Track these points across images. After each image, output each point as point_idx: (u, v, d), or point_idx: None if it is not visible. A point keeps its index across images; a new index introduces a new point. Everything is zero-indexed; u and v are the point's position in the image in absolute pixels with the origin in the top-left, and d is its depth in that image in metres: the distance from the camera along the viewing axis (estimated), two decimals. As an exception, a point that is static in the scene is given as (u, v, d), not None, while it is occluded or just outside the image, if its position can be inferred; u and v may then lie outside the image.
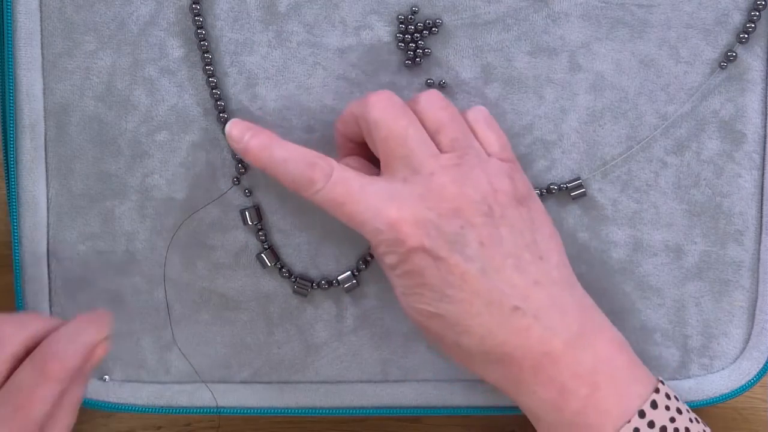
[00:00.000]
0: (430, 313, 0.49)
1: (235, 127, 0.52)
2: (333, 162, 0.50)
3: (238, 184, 0.57)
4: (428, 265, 0.48)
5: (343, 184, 0.50)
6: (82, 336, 0.49)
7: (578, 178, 0.56)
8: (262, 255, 0.57)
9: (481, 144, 0.52)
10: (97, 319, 0.51)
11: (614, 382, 0.49)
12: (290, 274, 0.57)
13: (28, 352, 0.49)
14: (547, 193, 0.56)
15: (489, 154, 0.52)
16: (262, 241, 0.57)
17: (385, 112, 0.50)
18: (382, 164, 0.51)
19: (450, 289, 0.48)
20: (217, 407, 0.58)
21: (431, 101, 0.51)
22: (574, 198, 0.56)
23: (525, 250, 0.49)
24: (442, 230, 0.48)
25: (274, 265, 0.57)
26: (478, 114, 0.53)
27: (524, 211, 0.50)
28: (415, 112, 0.51)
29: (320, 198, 0.50)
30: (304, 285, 0.57)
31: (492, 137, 0.52)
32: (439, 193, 0.49)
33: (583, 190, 0.56)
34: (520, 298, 0.48)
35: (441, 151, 0.50)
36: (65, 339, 0.49)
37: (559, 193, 0.56)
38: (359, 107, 0.51)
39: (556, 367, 0.48)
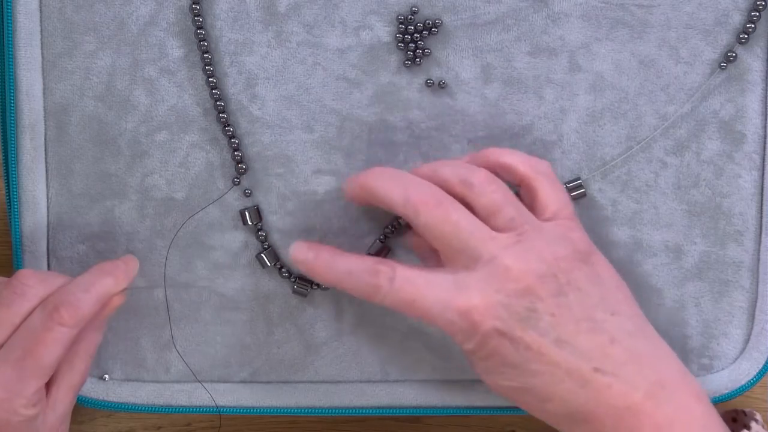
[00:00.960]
0: (514, 389, 0.50)
1: (298, 251, 0.52)
2: (394, 264, 0.50)
3: (238, 184, 0.57)
4: (505, 345, 0.48)
5: (408, 284, 0.49)
6: (96, 286, 0.51)
7: (578, 179, 0.56)
8: (262, 255, 0.57)
9: (540, 205, 0.52)
10: (117, 269, 0.52)
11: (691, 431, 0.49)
12: (290, 274, 0.57)
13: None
14: None
15: (547, 216, 0.52)
16: (262, 241, 0.57)
17: (431, 216, 0.50)
18: (441, 255, 0.51)
19: (530, 364, 0.49)
20: (216, 407, 0.58)
21: (485, 185, 0.51)
22: (574, 198, 0.56)
23: (596, 310, 0.49)
24: (513, 310, 0.48)
25: (274, 265, 0.57)
26: (540, 168, 0.53)
27: (588, 270, 0.50)
28: (467, 195, 0.51)
29: (389, 301, 0.50)
30: (303, 285, 0.57)
31: (552, 197, 0.52)
32: (503, 275, 0.49)
33: (583, 190, 0.56)
34: (598, 360, 0.48)
35: (497, 230, 0.50)
36: (79, 288, 0.51)
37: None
38: (404, 208, 0.50)
39: (637, 420, 0.48)
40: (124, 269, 0.53)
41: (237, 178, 0.57)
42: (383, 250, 0.57)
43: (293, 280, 0.57)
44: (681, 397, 0.49)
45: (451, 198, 0.50)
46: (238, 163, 0.56)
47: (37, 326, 0.49)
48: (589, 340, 0.49)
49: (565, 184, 0.56)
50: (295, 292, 0.57)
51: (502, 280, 0.48)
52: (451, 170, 0.52)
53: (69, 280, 0.52)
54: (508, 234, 0.50)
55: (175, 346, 0.58)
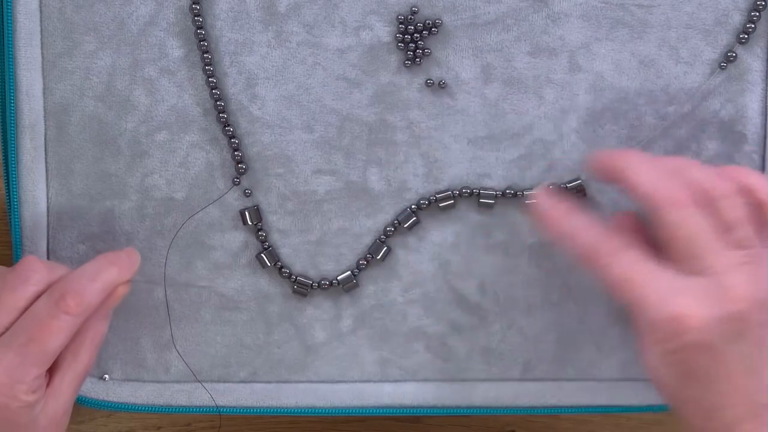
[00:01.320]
0: (687, 398, 0.50)
1: (540, 197, 0.53)
2: (626, 241, 0.50)
3: (238, 184, 0.57)
4: (701, 360, 0.49)
5: (634, 263, 0.49)
6: (102, 275, 0.52)
7: (578, 179, 0.56)
8: (262, 255, 0.57)
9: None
10: (121, 259, 0.53)
11: None
12: (290, 274, 0.57)
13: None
14: None
15: None
16: (262, 241, 0.57)
17: (675, 215, 0.49)
18: (670, 251, 0.50)
19: (716, 383, 0.49)
20: (216, 407, 0.58)
21: (733, 198, 0.50)
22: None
23: None
24: (725, 329, 0.48)
25: (274, 265, 0.57)
26: None
27: None
28: (712, 203, 0.50)
29: (611, 270, 0.50)
30: (303, 285, 0.57)
31: None
32: (728, 294, 0.48)
33: (584, 189, 0.56)
34: None
35: (730, 245, 0.50)
36: (85, 276, 0.51)
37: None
38: (649, 197, 0.50)
39: None
40: (127, 260, 0.53)
41: (237, 178, 0.57)
42: (383, 250, 0.57)
43: (293, 280, 0.57)
44: None
45: (698, 202, 0.50)
46: (238, 163, 0.56)
47: (43, 313, 0.50)
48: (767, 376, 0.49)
49: (565, 184, 0.56)
50: (295, 292, 0.58)
51: (725, 298, 0.48)
52: (703, 175, 0.51)
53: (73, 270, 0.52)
54: (741, 253, 0.50)
55: (175, 346, 0.58)
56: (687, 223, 0.49)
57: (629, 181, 0.50)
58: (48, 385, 0.51)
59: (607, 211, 0.57)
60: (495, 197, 0.57)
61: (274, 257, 0.57)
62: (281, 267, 0.57)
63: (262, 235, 0.57)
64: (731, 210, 0.50)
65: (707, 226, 0.49)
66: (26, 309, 0.50)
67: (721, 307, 0.48)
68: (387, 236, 0.57)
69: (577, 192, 0.56)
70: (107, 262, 0.52)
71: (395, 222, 0.57)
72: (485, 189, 0.57)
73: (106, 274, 0.52)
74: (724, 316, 0.48)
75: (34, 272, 0.51)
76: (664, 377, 0.50)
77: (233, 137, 0.56)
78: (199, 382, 0.58)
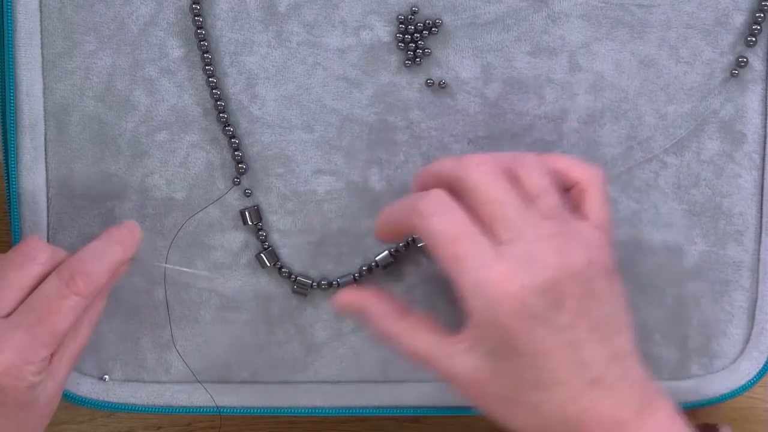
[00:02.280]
0: (512, 383, 0.49)
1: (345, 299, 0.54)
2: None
3: (239, 184, 0.57)
4: (521, 331, 0.48)
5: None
6: (109, 255, 0.52)
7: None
8: (262, 255, 0.57)
9: (587, 209, 0.52)
10: (125, 237, 0.53)
11: None
12: (290, 273, 0.57)
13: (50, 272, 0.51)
14: None
15: (590, 224, 0.51)
16: (262, 241, 0.57)
17: (485, 177, 0.49)
18: (482, 222, 0.50)
19: (538, 358, 0.48)
20: (216, 407, 0.58)
21: (534, 166, 0.51)
22: None
23: (608, 324, 0.50)
24: (542, 298, 0.48)
25: (273, 264, 0.57)
26: (596, 175, 0.52)
27: (611, 285, 0.50)
28: (514, 174, 0.50)
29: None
30: (303, 285, 0.57)
31: (600, 205, 0.52)
32: (542, 261, 0.48)
33: None
34: (600, 371, 0.49)
35: (540, 216, 0.50)
36: (94, 257, 0.51)
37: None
38: (454, 169, 0.50)
39: None
40: (130, 237, 0.53)
41: (237, 178, 0.57)
42: (388, 262, 0.57)
43: (293, 279, 0.57)
44: (662, 415, 0.50)
45: (505, 171, 0.50)
46: (238, 163, 0.56)
47: (53, 294, 0.50)
48: (596, 350, 0.49)
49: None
50: (294, 292, 0.57)
51: (534, 265, 0.48)
52: (510, 154, 0.52)
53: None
54: (552, 222, 0.49)
55: (175, 346, 0.58)
56: (491, 187, 0.49)
57: (451, 175, 0.50)
58: (48, 364, 0.51)
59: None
60: None
61: (274, 257, 0.57)
62: (281, 267, 0.57)
63: (262, 235, 0.57)
64: (534, 178, 0.50)
65: (513, 194, 0.49)
66: (32, 288, 0.50)
67: (534, 276, 0.48)
68: (398, 250, 0.57)
69: None
70: (113, 242, 0.52)
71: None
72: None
73: (112, 255, 0.52)
74: (538, 285, 0.48)
75: (41, 252, 0.51)
76: (490, 370, 0.49)
77: (233, 137, 0.56)
78: (199, 382, 0.58)
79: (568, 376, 0.48)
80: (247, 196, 0.57)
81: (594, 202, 0.52)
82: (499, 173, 0.50)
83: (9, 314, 0.50)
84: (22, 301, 0.50)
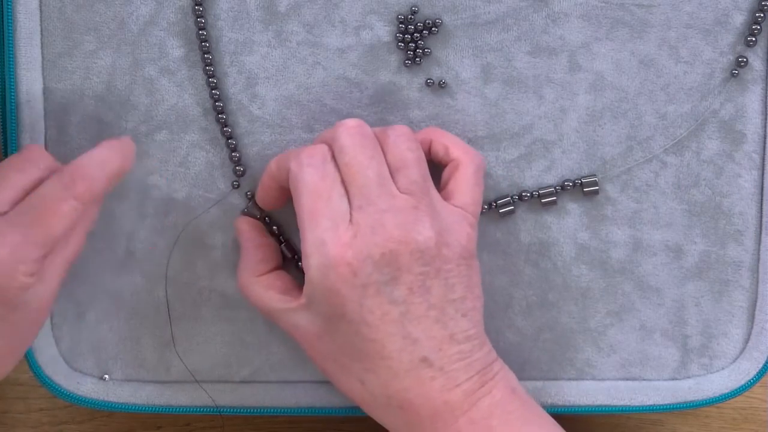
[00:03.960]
0: (340, 349, 0.50)
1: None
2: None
3: (238, 187, 0.57)
4: (353, 298, 0.49)
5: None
6: (110, 163, 0.50)
7: (593, 175, 0.56)
8: (282, 247, 0.57)
9: (455, 188, 0.52)
10: (124, 149, 0.51)
11: (508, 425, 0.50)
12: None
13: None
14: (561, 189, 0.56)
15: (454, 203, 0.52)
16: (276, 235, 0.57)
17: (353, 139, 0.50)
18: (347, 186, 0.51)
19: (366, 328, 0.49)
20: (216, 407, 0.58)
21: (401, 138, 0.51)
22: (586, 194, 0.56)
23: (451, 306, 0.50)
24: (378, 269, 0.48)
25: (293, 257, 0.57)
26: (475, 158, 0.53)
27: (465, 269, 0.51)
28: (382, 146, 0.51)
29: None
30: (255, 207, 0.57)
31: (470, 187, 0.53)
32: (385, 233, 0.49)
33: (597, 188, 0.56)
34: (432, 350, 0.49)
35: (398, 190, 0.50)
36: (94, 164, 0.50)
37: (572, 189, 0.56)
38: (332, 130, 0.51)
39: (453, 414, 0.49)
40: (128, 150, 0.52)
41: (236, 181, 0.57)
42: None
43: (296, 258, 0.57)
44: (498, 392, 0.50)
45: (376, 140, 0.51)
46: (236, 165, 0.56)
47: (51, 195, 0.49)
48: (431, 329, 0.49)
49: (579, 179, 0.56)
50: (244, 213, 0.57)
51: (383, 236, 0.49)
52: (384, 128, 0.53)
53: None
54: (407, 197, 0.50)
55: (174, 347, 0.58)
56: (357, 150, 0.50)
57: (280, 173, 0.53)
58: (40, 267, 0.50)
59: (606, 210, 0.57)
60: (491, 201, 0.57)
61: (292, 250, 0.57)
62: (299, 260, 0.57)
63: (275, 230, 0.57)
64: (401, 150, 0.51)
65: (376, 162, 0.50)
66: (30, 191, 0.49)
67: (373, 245, 0.48)
68: None
69: (590, 189, 0.56)
70: (113, 151, 0.51)
71: None
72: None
73: (111, 163, 0.50)
74: (375, 256, 0.48)
75: (43, 157, 0.51)
76: (318, 335, 0.50)
77: (231, 138, 0.56)
78: (197, 383, 0.58)
79: (396, 352, 0.49)
80: (249, 199, 0.57)
81: (463, 181, 0.52)
82: (369, 139, 0.51)
83: (5, 213, 0.49)
84: (19, 202, 0.49)
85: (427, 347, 0.49)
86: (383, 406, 0.50)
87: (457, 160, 0.53)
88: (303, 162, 0.50)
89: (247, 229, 0.56)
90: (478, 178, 0.53)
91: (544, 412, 0.52)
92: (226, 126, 0.56)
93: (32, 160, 0.50)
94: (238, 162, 0.56)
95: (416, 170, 0.51)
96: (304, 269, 0.50)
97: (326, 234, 0.49)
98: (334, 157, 0.51)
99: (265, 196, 0.55)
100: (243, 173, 0.57)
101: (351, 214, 0.49)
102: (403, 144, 0.51)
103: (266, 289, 0.53)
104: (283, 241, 0.57)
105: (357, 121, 0.51)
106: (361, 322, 0.49)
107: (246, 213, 0.57)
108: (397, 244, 0.49)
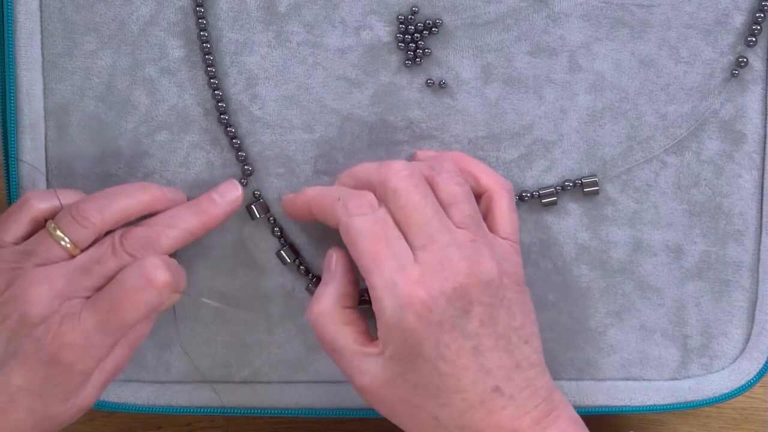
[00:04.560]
0: (414, 386, 0.50)
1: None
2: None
3: (245, 185, 0.57)
4: (428, 335, 0.49)
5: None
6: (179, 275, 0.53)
7: (594, 175, 0.56)
8: (282, 252, 0.57)
9: (496, 220, 0.53)
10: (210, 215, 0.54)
11: None
12: (307, 271, 0.57)
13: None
14: (561, 190, 0.56)
15: (499, 234, 0.53)
16: (278, 237, 0.57)
17: (405, 182, 0.50)
18: (402, 230, 0.51)
19: (441, 363, 0.49)
20: (223, 407, 0.58)
21: (449, 175, 0.52)
22: (586, 194, 0.56)
23: (514, 333, 0.50)
24: (451, 304, 0.49)
25: (293, 261, 0.57)
26: (506, 185, 0.54)
27: (521, 295, 0.51)
28: (431, 181, 0.52)
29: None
30: (290, 252, 0.57)
31: (510, 216, 0.53)
32: (453, 268, 0.49)
33: (597, 188, 0.56)
34: (502, 379, 0.50)
35: (454, 225, 0.51)
36: (167, 259, 0.52)
37: (573, 190, 0.57)
38: (375, 173, 0.52)
39: None
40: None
41: (244, 179, 0.56)
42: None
43: (311, 277, 0.57)
44: (562, 423, 0.51)
45: (424, 178, 0.52)
46: (243, 164, 0.56)
47: (132, 284, 0.50)
48: (500, 358, 0.50)
49: (580, 179, 0.56)
50: (308, 290, 0.57)
51: (450, 271, 0.49)
52: (425, 159, 0.54)
53: None
54: (465, 231, 0.50)
55: (182, 347, 0.58)
56: (410, 191, 0.50)
57: (372, 179, 0.52)
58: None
59: (606, 210, 0.57)
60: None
61: (295, 253, 0.57)
62: (300, 264, 0.57)
63: (277, 232, 0.57)
64: (449, 186, 0.51)
65: (430, 200, 0.50)
66: (115, 278, 0.51)
67: (444, 281, 0.49)
68: None
69: (591, 189, 0.56)
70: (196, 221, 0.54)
71: None
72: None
73: (188, 230, 0.53)
74: (447, 291, 0.49)
75: (128, 245, 0.52)
76: (392, 372, 0.50)
77: (234, 137, 0.56)
78: (206, 382, 0.58)
79: (471, 384, 0.49)
80: (257, 199, 0.57)
81: (502, 213, 0.53)
82: (419, 179, 0.51)
83: (91, 294, 0.51)
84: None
85: (498, 377, 0.49)
86: None
87: (491, 191, 0.54)
88: (352, 213, 0.51)
89: (342, 260, 0.54)
90: (512, 205, 0.54)
91: None
92: (229, 126, 0.56)
93: (115, 248, 0.52)
94: (244, 161, 0.56)
95: (468, 205, 0.51)
96: (376, 314, 0.50)
97: (396, 275, 0.49)
98: (384, 202, 0.51)
99: (295, 215, 0.56)
100: (251, 173, 0.56)
101: (414, 254, 0.50)
102: (452, 180, 0.52)
103: (345, 325, 0.52)
104: (285, 244, 0.57)
105: (405, 163, 0.51)
106: (438, 358, 0.49)
107: (248, 210, 0.57)
108: (466, 277, 0.49)
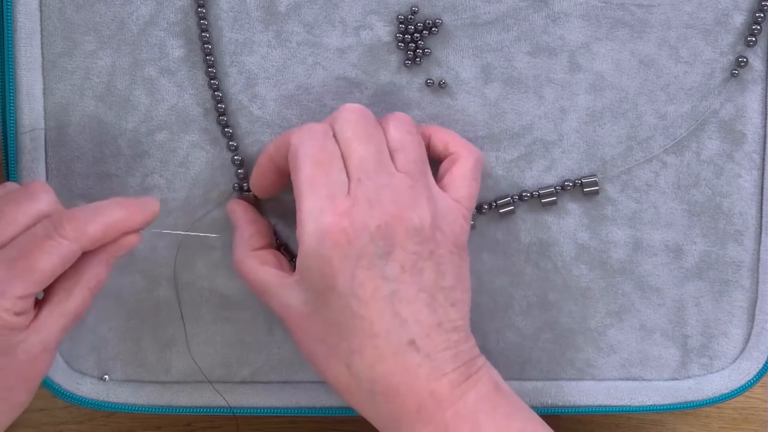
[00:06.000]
0: (333, 320, 0.49)
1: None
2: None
3: (239, 189, 0.57)
4: (344, 271, 0.48)
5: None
6: (106, 212, 0.50)
7: (594, 175, 0.56)
8: (281, 250, 0.57)
9: (452, 180, 0.53)
10: (132, 205, 0.51)
11: (494, 420, 0.49)
12: None
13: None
14: (561, 189, 0.56)
15: (451, 195, 0.52)
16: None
17: (355, 116, 0.51)
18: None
19: (355, 301, 0.49)
20: (223, 407, 0.58)
21: (400, 122, 0.52)
22: (586, 194, 0.56)
23: (441, 293, 0.50)
24: (373, 242, 0.48)
25: (290, 261, 0.57)
26: (474, 153, 0.54)
27: (457, 259, 0.51)
28: (383, 126, 0.52)
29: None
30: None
31: (467, 181, 0.53)
32: (382, 207, 0.49)
33: (597, 188, 0.56)
34: (419, 335, 0.49)
35: (396, 169, 0.51)
36: (89, 210, 0.49)
37: (573, 190, 0.57)
38: (333, 114, 0.52)
39: (440, 407, 0.49)
40: (139, 207, 0.51)
41: (237, 184, 0.56)
42: None
43: None
44: (483, 386, 0.50)
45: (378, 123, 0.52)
46: (237, 168, 0.56)
47: (39, 233, 0.48)
48: (420, 312, 0.49)
49: (580, 179, 0.56)
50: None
51: (378, 210, 0.49)
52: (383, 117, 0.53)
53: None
54: (404, 176, 0.50)
55: (189, 348, 0.58)
56: (356, 126, 0.50)
57: (278, 155, 0.53)
58: (34, 318, 0.49)
59: (606, 210, 0.57)
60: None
61: (290, 254, 0.57)
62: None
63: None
64: (399, 132, 0.51)
65: (376, 140, 0.50)
66: (27, 227, 0.49)
67: (369, 217, 0.48)
68: None
69: (591, 189, 0.56)
70: (115, 204, 0.50)
71: None
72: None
73: (110, 212, 0.50)
74: (370, 227, 0.48)
75: (43, 192, 0.50)
76: (306, 311, 0.50)
77: (231, 139, 0.56)
78: (209, 382, 0.58)
79: (384, 331, 0.48)
80: (236, 189, 0.57)
81: (459, 175, 0.53)
82: (370, 119, 0.51)
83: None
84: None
85: (415, 331, 0.49)
86: (367, 393, 0.50)
87: (456, 153, 0.53)
88: (304, 135, 0.51)
89: (240, 208, 0.56)
90: (475, 173, 0.53)
91: (528, 407, 0.52)
92: (227, 127, 0.56)
93: (33, 194, 0.50)
94: (240, 165, 0.56)
95: (414, 152, 0.51)
96: (298, 238, 0.50)
97: (324, 202, 0.49)
98: (335, 135, 0.51)
99: (260, 180, 0.55)
100: (244, 177, 0.56)
101: (349, 186, 0.49)
102: (403, 127, 0.52)
103: (261, 264, 0.53)
104: (281, 244, 0.57)
105: (359, 105, 0.52)
106: (352, 295, 0.48)
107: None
108: (392, 218, 0.49)
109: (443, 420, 0.49)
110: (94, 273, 0.50)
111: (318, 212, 0.49)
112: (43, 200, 0.50)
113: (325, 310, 0.49)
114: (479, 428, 0.49)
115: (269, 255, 0.54)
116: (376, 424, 0.51)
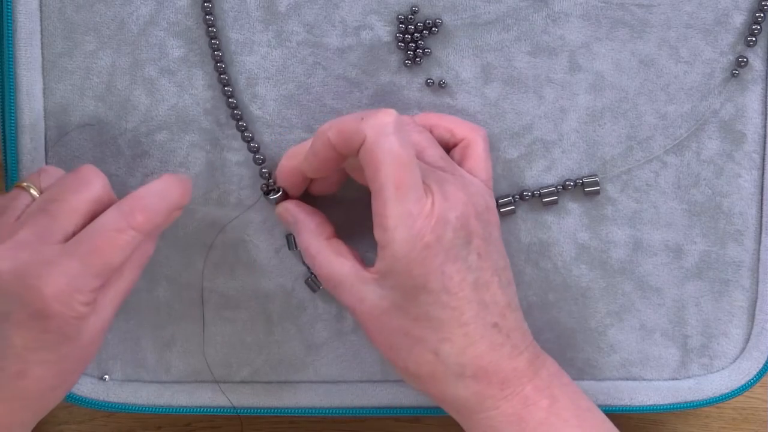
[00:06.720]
0: (420, 315, 0.49)
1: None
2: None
3: (278, 190, 0.56)
4: (432, 267, 0.48)
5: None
6: (170, 196, 0.50)
7: (595, 175, 0.56)
8: (310, 280, 0.57)
9: (473, 163, 0.54)
10: (183, 182, 0.51)
11: (566, 395, 0.51)
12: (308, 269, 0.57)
13: (103, 205, 0.50)
14: (562, 189, 0.56)
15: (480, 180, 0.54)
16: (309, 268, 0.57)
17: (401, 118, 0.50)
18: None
19: (444, 296, 0.49)
20: (223, 407, 0.58)
21: (409, 125, 0.53)
22: (587, 194, 0.56)
23: (503, 273, 0.51)
24: (456, 234, 0.49)
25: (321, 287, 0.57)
26: (481, 132, 0.55)
27: (501, 240, 0.52)
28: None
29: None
30: (317, 281, 0.57)
31: (485, 162, 0.54)
32: (453, 197, 0.49)
33: (598, 188, 0.56)
34: (499, 316, 0.50)
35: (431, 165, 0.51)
36: (155, 195, 0.50)
37: (573, 189, 0.57)
38: (355, 123, 0.49)
39: (520, 382, 0.50)
40: (187, 184, 0.52)
41: (266, 184, 0.56)
42: None
43: (311, 273, 0.57)
44: (551, 365, 0.52)
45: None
46: (260, 165, 0.56)
47: (111, 225, 0.48)
48: (496, 294, 0.50)
49: (581, 179, 0.56)
50: (307, 283, 0.57)
51: (453, 201, 0.49)
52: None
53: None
54: (443, 170, 0.51)
55: (203, 351, 0.58)
56: (399, 142, 0.48)
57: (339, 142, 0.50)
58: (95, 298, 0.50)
59: (606, 210, 0.57)
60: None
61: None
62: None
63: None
64: (411, 135, 0.52)
65: (410, 149, 0.48)
66: (87, 214, 0.49)
67: (449, 210, 0.49)
68: None
69: (591, 189, 0.56)
70: (174, 184, 0.51)
71: None
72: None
73: (172, 196, 0.50)
74: (452, 219, 0.48)
75: (97, 177, 0.50)
76: (394, 305, 0.49)
77: (247, 134, 0.56)
78: (215, 382, 0.58)
79: (473, 318, 0.49)
80: (265, 193, 0.56)
81: (478, 159, 0.54)
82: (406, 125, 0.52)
83: (66, 240, 0.48)
84: (79, 227, 0.49)
85: (495, 313, 0.50)
86: (455, 377, 0.50)
87: (466, 139, 0.54)
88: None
89: (292, 204, 0.54)
90: (487, 152, 0.55)
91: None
92: (241, 120, 0.56)
93: (86, 180, 0.50)
94: (261, 160, 0.56)
95: (435, 149, 0.52)
96: (380, 243, 0.49)
97: (413, 206, 0.48)
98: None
99: (317, 169, 0.52)
100: (269, 177, 0.56)
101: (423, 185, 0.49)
102: (414, 130, 0.53)
103: (336, 256, 0.52)
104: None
105: (390, 111, 0.50)
106: (442, 290, 0.49)
107: (287, 239, 0.57)
108: (464, 205, 0.49)
109: (524, 394, 0.50)
110: (144, 250, 0.51)
111: (408, 217, 0.48)
112: (98, 185, 0.50)
113: (411, 306, 0.49)
114: (556, 401, 0.50)
115: (340, 245, 0.53)
116: (453, 406, 0.52)
